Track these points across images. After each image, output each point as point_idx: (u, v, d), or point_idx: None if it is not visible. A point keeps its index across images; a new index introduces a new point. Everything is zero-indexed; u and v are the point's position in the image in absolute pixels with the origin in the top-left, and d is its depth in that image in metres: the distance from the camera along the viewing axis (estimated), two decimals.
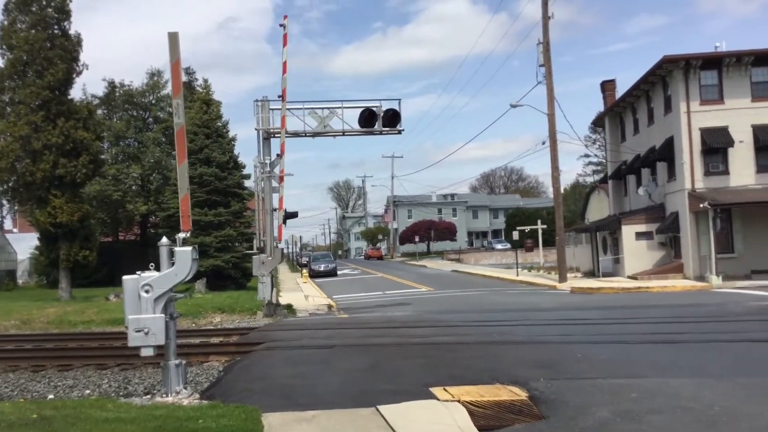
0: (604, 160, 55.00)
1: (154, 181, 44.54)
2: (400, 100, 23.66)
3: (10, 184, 30.43)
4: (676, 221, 30.08)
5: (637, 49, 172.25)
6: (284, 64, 21.72)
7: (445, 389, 8.92)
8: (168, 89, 46.83)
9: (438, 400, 8.44)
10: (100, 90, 47.16)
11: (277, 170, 22.65)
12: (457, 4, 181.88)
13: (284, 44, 21.77)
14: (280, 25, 21.65)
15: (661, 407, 7.70)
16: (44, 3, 29.62)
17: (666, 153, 31.01)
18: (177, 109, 9.97)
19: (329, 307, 25.22)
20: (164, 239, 9.39)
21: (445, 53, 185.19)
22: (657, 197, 32.76)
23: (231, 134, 38.77)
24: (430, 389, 8.96)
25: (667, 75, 30.80)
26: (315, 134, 23.80)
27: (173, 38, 9.79)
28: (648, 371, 9.75)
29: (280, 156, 22.34)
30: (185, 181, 9.90)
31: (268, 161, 22.95)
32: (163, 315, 8.96)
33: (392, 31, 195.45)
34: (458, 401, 8.29)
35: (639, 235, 31.81)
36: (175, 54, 9.83)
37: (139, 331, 8.83)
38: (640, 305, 20.55)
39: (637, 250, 31.65)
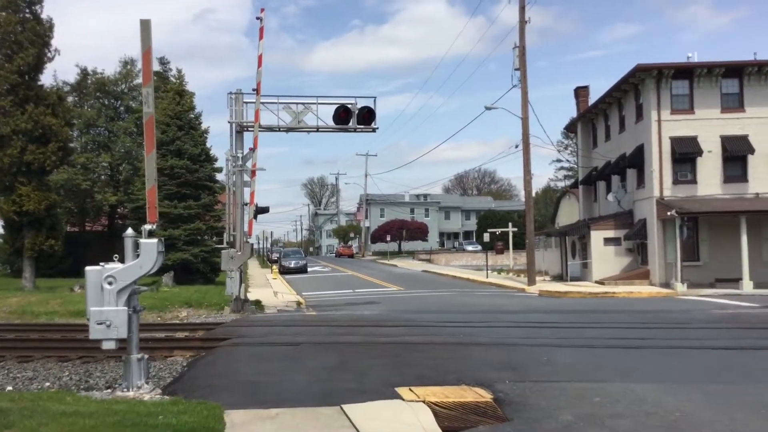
0: (575, 166, 55.55)
1: (123, 172, 43.83)
2: (375, 98, 23.54)
3: None
4: (644, 228, 30.49)
5: (612, 56, 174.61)
6: (260, 57, 21.55)
7: (410, 389, 8.90)
8: (141, 78, 46.16)
9: (403, 400, 8.41)
10: (72, 76, 46.26)
11: (249, 164, 22.44)
12: (435, 6, 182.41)
13: (260, 37, 21.60)
14: (257, 18, 21.50)
15: (624, 412, 7.77)
16: None
17: (636, 160, 31.41)
18: (147, 98, 9.80)
19: (298, 304, 25.08)
20: (129, 231, 9.23)
21: (421, 54, 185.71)
22: (626, 204, 33.17)
23: (204, 126, 38.34)
24: (396, 389, 8.93)
25: (639, 83, 31.19)
26: (289, 129, 23.62)
27: (145, 26, 9.62)
28: (612, 376, 9.83)
29: (252, 150, 22.15)
30: (153, 171, 9.74)
31: (240, 155, 22.69)
32: (126, 308, 8.80)
33: (370, 30, 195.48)
34: (423, 401, 8.27)
35: (607, 241, 32.19)
36: (147, 42, 9.66)
37: (101, 323, 8.67)
38: (606, 310, 20.76)
39: (605, 256, 32.02)
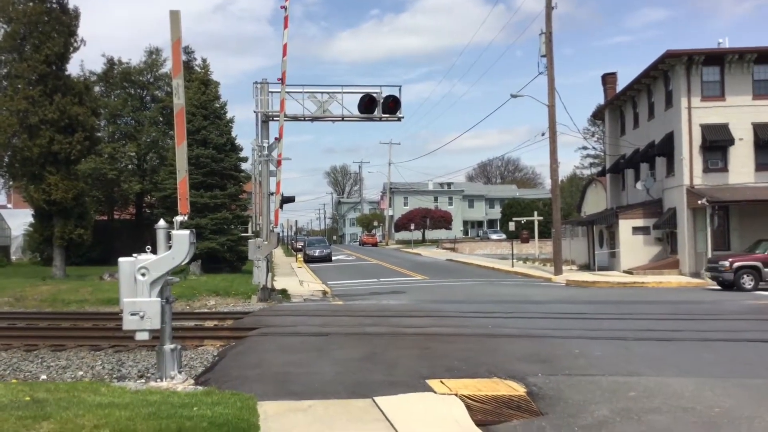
0: (602, 153, 54.93)
1: (149, 161, 44.23)
2: (400, 86, 23.41)
3: (5, 160, 30.14)
4: (674, 217, 30.06)
5: (639, 42, 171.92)
6: (284, 46, 21.43)
7: (442, 382, 8.84)
8: (166, 68, 46.45)
9: (435, 392, 8.36)
10: (99, 66, 46.68)
11: (275, 154, 22.45)
12: None
13: (285, 26, 21.47)
14: (282, 7, 21.35)
15: (660, 407, 7.64)
16: None
17: (665, 148, 30.94)
18: (177, 90, 9.78)
19: (324, 293, 25.15)
20: (161, 222, 9.23)
21: (443, 42, 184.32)
22: (655, 192, 32.72)
23: (229, 116, 38.46)
24: (427, 381, 8.88)
25: (669, 70, 30.67)
26: (314, 119, 23.60)
27: (175, 17, 9.59)
28: (646, 369, 9.68)
29: (278, 140, 22.14)
30: (184, 162, 9.72)
31: (266, 144, 22.74)
32: (159, 299, 8.82)
33: (391, 18, 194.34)
34: (455, 395, 8.20)
35: (636, 230, 31.82)
36: (176, 33, 9.63)
37: (134, 314, 8.71)
38: (635, 300, 20.54)
39: (633, 245, 31.65)
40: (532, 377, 9.02)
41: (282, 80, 21.56)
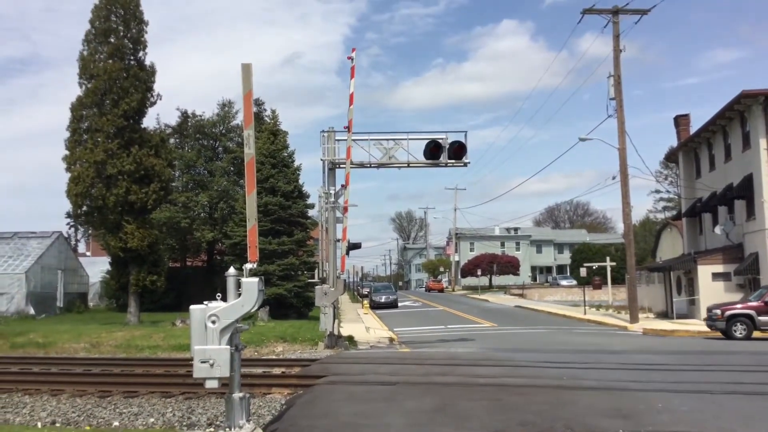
0: (675, 197, 53.28)
1: (220, 210, 45.37)
2: (466, 132, 23.39)
3: (83, 209, 31.39)
4: (756, 262, 28.63)
5: (712, 83, 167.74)
6: (351, 96, 21.85)
7: None
8: (238, 119, 48.02)
9: None
10: (173, 119, 48.62)
11: (341, 201, 22.66)
12: (516, 41, 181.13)
13: (351, 76, 21.94)
14: (348, 58, 21.84)
15: None
16: (121, 34, 30.68)
17: (744, 191, 29.70)
18: (248, 140, 9.94)
19: (390, 340, 24.88)
20: (232, 269, 9.28)
21: (509, 88, 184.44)
22: (735, 237, 31.31)
23: (296, 164, 39.23)
24: None
25: (745, 110, 29.64)
26: (380, 165, 23.75)
27: (246, 69, 9.81)
28: (737, 426, 9.03)
29: (344, 187, 22.35)
30: (254, 211, 9.81)
31: (332, 191, 22.97)
32: (228, 347, 8.81)
33: (454, 66, 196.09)
34: None
35: (716, 276, 30.43)
36: (248, 85, 9.84)
37: (204, 362, 8.70)
38: (719, 351, 19.45)
39: (713, 292, 30.20)
40: None
41: (348, 128, 21.91)
